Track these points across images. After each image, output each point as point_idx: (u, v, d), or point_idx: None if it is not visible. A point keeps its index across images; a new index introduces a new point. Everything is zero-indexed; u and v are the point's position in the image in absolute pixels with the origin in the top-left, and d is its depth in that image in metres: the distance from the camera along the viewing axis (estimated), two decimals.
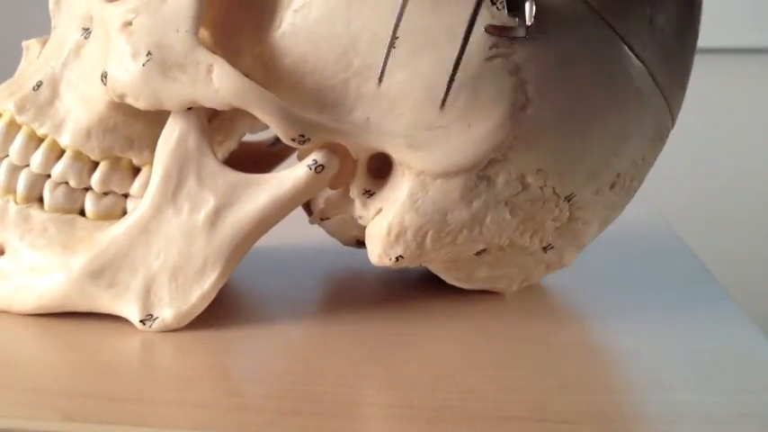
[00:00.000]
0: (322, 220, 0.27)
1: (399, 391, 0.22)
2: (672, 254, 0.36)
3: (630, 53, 0.24)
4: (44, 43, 0.28)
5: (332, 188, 0.26)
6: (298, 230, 0.36)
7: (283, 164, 0.32)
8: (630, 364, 0.24)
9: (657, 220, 0.42)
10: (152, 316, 0.25)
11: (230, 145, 0.27)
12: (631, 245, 0.36)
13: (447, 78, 0.23)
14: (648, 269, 0.34)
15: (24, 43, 0.28)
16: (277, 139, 0.33)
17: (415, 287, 0.30)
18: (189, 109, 0.24)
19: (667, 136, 0.27)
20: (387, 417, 0.20)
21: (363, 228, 0.27)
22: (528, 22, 0.23)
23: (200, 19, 0.23)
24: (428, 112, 0.23)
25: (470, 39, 0.23)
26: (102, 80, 0.24)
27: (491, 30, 0.23)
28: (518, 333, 0.26)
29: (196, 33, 0.23)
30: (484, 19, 0.23)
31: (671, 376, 0.23)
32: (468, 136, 0.23)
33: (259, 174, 0.25)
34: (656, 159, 0.28)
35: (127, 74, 0.23)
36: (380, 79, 0.23)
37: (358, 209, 0.26)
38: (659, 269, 0.34)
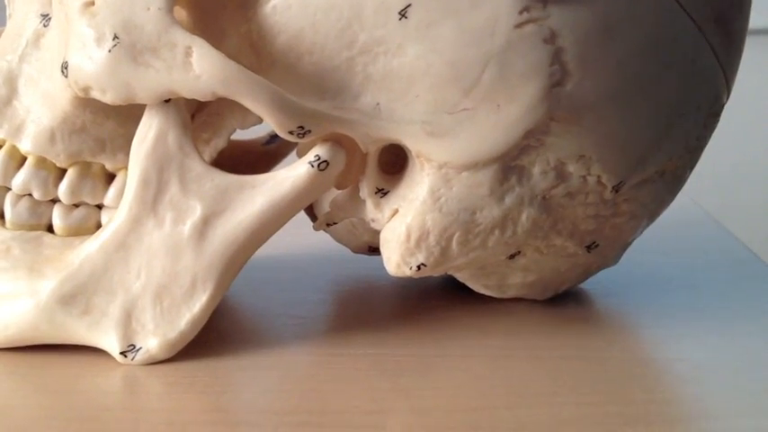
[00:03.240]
0: (328, 225, 0.24)
1: (429, 418, 0.18)
2: (718, 248, 0.33)
3: (683, 12, 0.21)
4: None
5: (338, 188, 0.22)
6: (300, 237, 0.32)
7: (281, 164, 0.29)
8: (702, 382, 0.20)
9: (697, 212, 0.38)
10: (134, 347, 0.21)
11: (219, 143, 0.24)
12: (673, 240, 0.32)
13: (474, 53, 0.19)
14: (695, 267, 0.30)
15: None
16: (273, 136, 0.29)
17: (437, 298, 0.26)
18: (167, 101, 0.21)
19: (721, 111, 0.24)
20: None
21: (377, 232, 0.23)
22: None
23: None
24: (450, 92, 0.20)
25: (497, 3, 0.19)
26: (63, 71, 0.20)
27: None
28: (565, 349, 0.22)
29: (171, 11, 0.20)
30: None
31: (752, 396, 0.20)
32: (497, 119, 0.20)
33: (253, 175, 0.21)
34: (708, 141, 0.24)
35: (91, 62, 0.20)
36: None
37: (370, 211, 0.22)
38: (706, 267, 0.30)
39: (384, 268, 0.22)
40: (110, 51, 0.20)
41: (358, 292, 0.28)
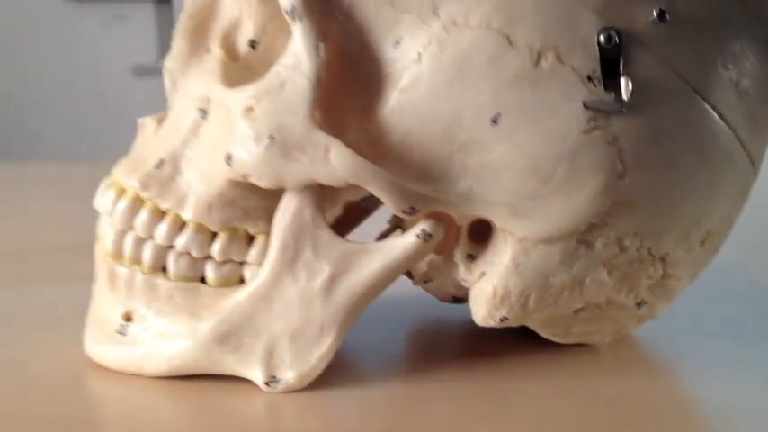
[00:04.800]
0: (425, 281, 0.29)
1: None
2: (748, 301, 0.37)
3: (718, 118, 0.25)
4: (159, 121, 0.30)
5: (436, 253, 0.27)
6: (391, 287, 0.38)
7: (369, 218, 0.34)
8: (728, 420, 0.25)
9: (736, 268, 0.43)
10: (275, 378, 0.27)
11: (335, 212, 0.29)
12: (713, 293, 0.37)
13: (551, 151, 0.24)
14: (726, 317, 0.35)
15: (140, 120, 0.30)
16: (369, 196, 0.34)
17: (507, 340, 0.31)
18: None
19: (750, 191, 0.28)
20: None
21: (460, 286, 0.29)
22: (624, 97, 0.24)
23: (315, 102, 0.25)
24: (530, 182, 0.25)
25: (569, 113, 0.24)
26: (227, 161, 0.26)
27: (589, 105, 0.24)
28: (618, 388, 0.27)
29: (312, 116, 0.25)
30: (581, 95, 0.24)
31: (750, 426, 0.24)
32: (568, 204, 0.25)
33: (370, 243, 0.27)
34: (741, 212, 0.29)
35: (250, 156, 0.26)
36: None
37: (462, 272, 0.27)
38: (743, 316, 0.35)
39: (457, 312, 0.27)
40: (266, 148, 0.25)
41: (438, 332, 0.33)
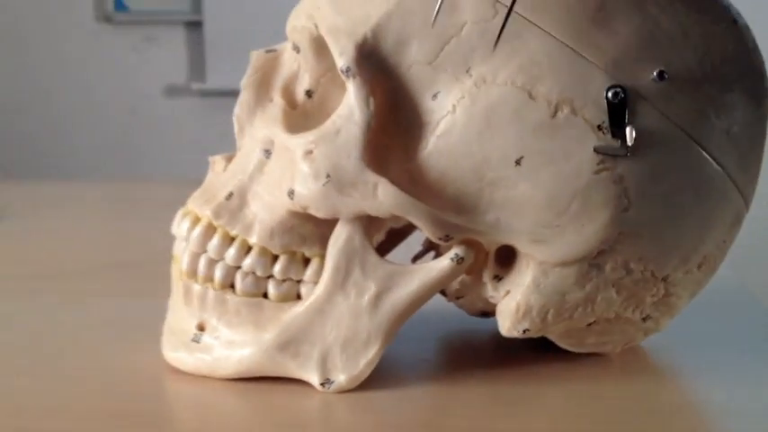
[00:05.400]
0: (457, 298, 0.33)
1: None
2: (747, 315, 0.41)
3: (711, 160, 0.30)
4: (228, 159, 0.35)
5: (467, 274, 0.32)
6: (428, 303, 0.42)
7: (404, 241, 0.38)
8: (726, 422, 0.29)
9: (737, 285, 0.47)
10: (329, 380, 0.31)
11: (379, 237, 0.34)
12: (712, 308, 0.41)
13: (566, 188, 0.29)
14: (726, 330, 0.39)
15: (210, 158, 0.35)
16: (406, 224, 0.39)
17: (528, 349, 0.36)
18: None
19: (743, 219, 0.33)
20: None
21: (488, 302, 0.33)
22: (629, 144, 0.28)
23: (366, 146, 0.30)
24: (548, 214, 0.29)
25: (582, 157, 0.29)
26: (290, 196, 0.31)
27: (599, 150, 0.28)
28: (626, 391, 0.31)
29: (364, 158, 0.30)
30: (592, 141, 0.29)
31: (744, 428, 0.28)
32: (581, 233, 0.29)
33: (411, 265, 0.31)
34: (735, 238, 0.33)
35: (310, 192, 0.30)
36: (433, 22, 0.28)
37: (489, 291, 0.32)
38: (737, 330, 0.39)
39: (485, 325, 0.32)
40: (324, 185, 0.30)
41: (467, 342, 0.37)
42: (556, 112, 0.29)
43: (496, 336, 0.37)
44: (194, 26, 1.93)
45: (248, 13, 1.84)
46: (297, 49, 0.33)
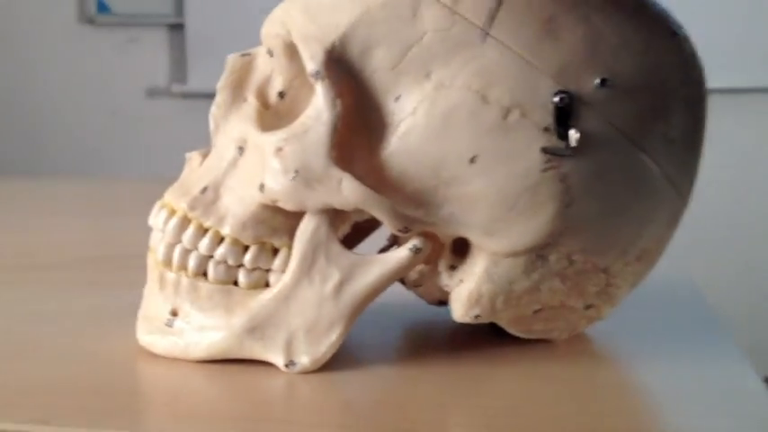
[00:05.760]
0: (415, 286, 0.36)
1: (483, 417, 0.29)
2: (689, 306, 0.44)
3: (649, 161, 0.32)
4: (203, 155, 0.37)
5: (424, 264, 0.34)
6: (388, 292, 0.44)
7: (371, 236, 0.41)
8: (659, 401, 0.32)
9: (684, 277, 0.49)
10: (293, 362, 0.33)
11: (345, 229, 0.36)
12: (656, 299, 0.44)
13: (516, 185, 0.31)
14: (662, 314, 0.41)
15: (187, 155, 0.37)
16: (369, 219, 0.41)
17: (482, 336, 0.38)
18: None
19: (681, 216, 0.35)
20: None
21: (446, 292, 0.35)
22: (573, 145, 0.31)
23: (332, 144, 0.32)
24: (499, 209, 0.32)
25: (530, 156, 0.31)
26: (261, 190, 0.33)
27: (546, 150, 0.31)
28: (569, 373, 0.34)
29: (329, 155, 0.32)
30: (540, 142, 0.31)
31: (676, 406, 0.31)
32: (528, 226, 0.32)
33: (371, 255, 0.33)
34: (673, 235, 0.36)
35: (279, 186, 0.32)
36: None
37: (444, 279, 0.34)
38: (672, 314, 0.41)
39: (444, 313, 0.34)
40: (292, 180, 0.32)
41: (425, 329, 0.39)
42: (507, 115, 0.31)
43: (454, 324, 0.39)
44: (176, 28, 1.94)
45: (230, 17, 1.86)
46: (271, 53, 0.35)
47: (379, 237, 0.40)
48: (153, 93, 1.97)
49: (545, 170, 0.31)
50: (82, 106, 1.99)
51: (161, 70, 1.97)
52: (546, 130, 0.31)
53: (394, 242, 0.41)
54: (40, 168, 1.95)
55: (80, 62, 1.98)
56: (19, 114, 1.98)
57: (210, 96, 0.37)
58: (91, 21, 1.96)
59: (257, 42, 0.39)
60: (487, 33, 0.31)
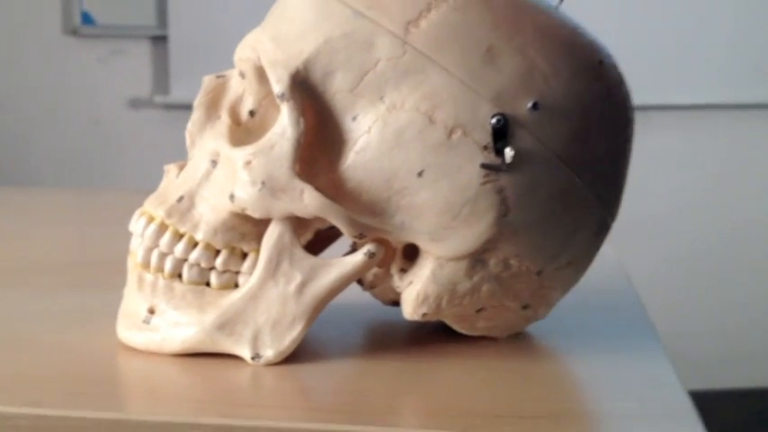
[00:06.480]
0: (371, 288, 0.39)
1: (429, 402, 0.33)
2: (623, 307, 0.48)
3: (576, 177, 0.36)
4: (180, 167, 0.40)
5: (378, 267, 0.38)
6: (348, 294, 0.48)
7: (334, 244, 0.44)
8: (591, 389, 0.36)
9: (621, 279, 0.54)
10: (259, 355, 0.37)
11: (308, 236, 0.40)
12: (593, 300, 0.48)
13: (458, 196, 0.35)
14: (601, 318, 0.46)
15: (165, 167, 0.41)
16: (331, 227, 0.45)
17: (432, 333, 0.42)
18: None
19: (609, 228, 0.39)
20: (420, 416, 0.32)
21: (398, 293, 0.39)
22: (508, 161, 0.35)
23: (296, 158, 0.36)
24: (444, 218, 0.35)
25: (471, 171, 0.35)
26: (231, 199, 0.36)
27: (485, 166, 0.35)
28: (510, 364, 0.38)
29: (293, 168, 0.36)
30: (479, 159, 0.35)
31: (596, 393, 0.35)
32: (469, 233, 0.35)
33: (328, 257, 0.37)
34: (602, 244, 0.40)
35: (247, 196, 0.36)
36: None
37: (396, 281, 0.38)
38: (610, 319, 0.46)
39: (398, 313, 0.38)
40: (259, 190, 0.36)
41: (381, 327, 0.43)
42: (451, 134, 0.35)
43: (407, 323, 0.43)
44: (159, 41, 1.97)
45: (212, 30, 1.89)
46: (242, 75, 0.39)
47: (344, 244, 0.43)
48: (136, 103, 2.00)
49: (484, 183, 0.35)
50: (66, 116, 2.01)
51: (144, 81, 2.00)
52: (485, 148, 0.35)
53: (355, 249, 0.45)
54: (24, 177, 1.96)
55: (64, 73, 2.01)
56: (2, 124, 2.00)
57: (192, 107, 0.41)
58: (75, 32, 1.99)
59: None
60: (434, 61, 0.35)
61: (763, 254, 1.70)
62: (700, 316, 1.68)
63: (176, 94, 1.93)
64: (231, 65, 0.41)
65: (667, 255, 1.65)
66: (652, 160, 1.62)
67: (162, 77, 1.98)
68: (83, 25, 1.99)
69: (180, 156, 0.40)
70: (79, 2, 1.97)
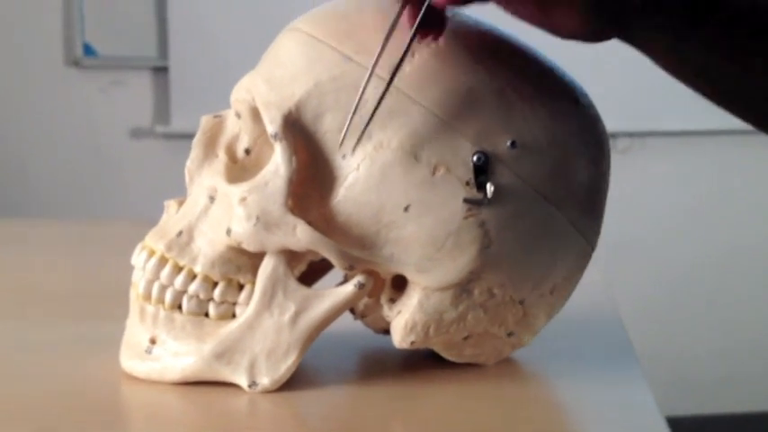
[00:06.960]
0: (362, 317, 0.41)
1: (420, 428, 0.35)
2: (607, 333, 0.50)
3: (556, 211, 0.38)
4: (179, 203, 0.42)
5: (369, 297, 0.40)
6: (340, 323, 0.50)
7: (328, 275, 0.46)
8: (574, 414, 0.37)
9: (606, 304, 0.55)
10: (255, 382, 0.38)
11: (301, 267, 0.41)
12: (577, 326, 0.49)
13: (442, 230, 0.37)
14: (584, 344, 0.47)
15: (165, 202, 0.43)
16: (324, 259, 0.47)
17: (421, 360, 0.43)
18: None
19: (590, 257, 0.41)
20: None
21: (389, 322, 0.41)
22: (489, 196, 0.37)
23: (288, 195, 0.38)
24: (429, 250, 0.37)
25: (454, 205, 0.37)
26: (228, 234, 0.38)
27: (467, 201, 0.37)
28: (497, 391, 0.39)
29: (286, 204, 0.38)
30: (462, 194, 0.37)
31: (580, 417, 0.36)
32: (454, 265, 0.37)
33: (320, 288, 0.39)
34: (583, 272, 0.41)
35: (243, 230, 0.38)
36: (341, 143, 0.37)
37: (385, 311, 0.40)
38: (593, 345, 0.47)
39: (388, 341, 0.39)
40: (254, 225, 0.38)
41: (372, 355, 0.45)
42: (435, 171, 0.37)
43: (397, 351, 0.45)
44: (160, 71, 2.01)
45: (212, 61, 1.93)
46: (238, 115, 0.41)
47: (337, 275, 0.45)
48: (137, 133, 2.03)
49: (466, 217, 0.37)
50: (67, 146, 2.04)
51: (145, 112, 2.03)
52: (467, 183, 0.37)
53: (347, 280, 0.46)
54: (25, 208, 1.98)
55: (66, 103, 2.04)
56: (3, 155, 2.02)
57: (192, 137, 0.43)
58: (77, 63, 2.02)
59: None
60: (418, 102, 0.37)
61: (753, 278, 1.71)
62: (689, 340, 1.70)
63: (177, 124, 1.96)
64: (230, 94, 0.43)
65: (657, 278, 1.67)
66: (643, 185, 1.64)
67: (163, 108, 2.01)
68: (84, 56, 2.03)
69: (180, 184, 0.42)
70: (81, 33, 2.01)
